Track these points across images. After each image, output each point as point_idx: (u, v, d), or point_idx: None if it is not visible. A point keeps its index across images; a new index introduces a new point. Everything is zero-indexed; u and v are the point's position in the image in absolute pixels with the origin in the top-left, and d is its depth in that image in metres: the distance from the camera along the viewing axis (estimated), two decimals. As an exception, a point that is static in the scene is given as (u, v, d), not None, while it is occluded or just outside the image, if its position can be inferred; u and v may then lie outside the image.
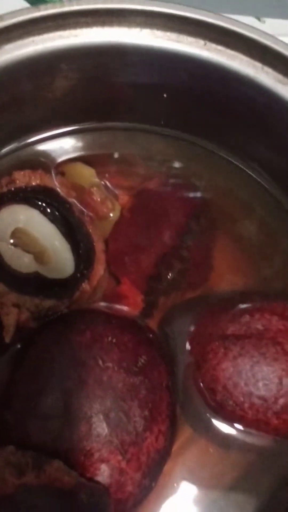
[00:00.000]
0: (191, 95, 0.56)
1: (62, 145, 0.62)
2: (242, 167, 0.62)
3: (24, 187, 0.56)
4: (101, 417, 0.47)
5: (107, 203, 0.59)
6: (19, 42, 0.50)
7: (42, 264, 0.54)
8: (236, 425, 0.52)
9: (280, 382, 0.49)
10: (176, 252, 0.59)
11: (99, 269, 0.56)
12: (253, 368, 0.50)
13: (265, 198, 0.62)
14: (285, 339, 0.51)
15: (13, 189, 0.56)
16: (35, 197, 0.56)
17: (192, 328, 0.56)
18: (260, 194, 0.62)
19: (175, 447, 0.54)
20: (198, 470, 0.54)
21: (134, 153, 0.63)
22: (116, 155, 0.63)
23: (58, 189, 0.57)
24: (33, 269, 0.53)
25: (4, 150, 0.61)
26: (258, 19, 0.72)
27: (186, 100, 0.57)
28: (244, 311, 0.54)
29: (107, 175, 0.61)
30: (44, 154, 0.62)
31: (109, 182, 0.61)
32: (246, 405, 0.50)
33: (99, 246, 0.57)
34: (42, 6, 0.49)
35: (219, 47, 0.50)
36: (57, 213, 0.56)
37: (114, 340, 0.51)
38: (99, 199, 0.59)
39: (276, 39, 0.49)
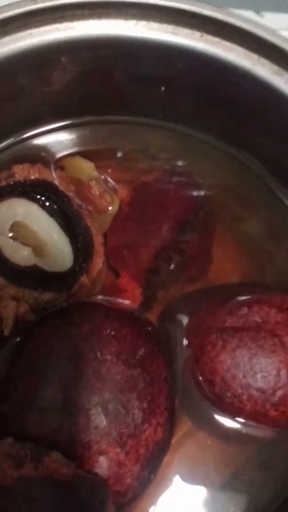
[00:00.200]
0: (189, 87, 0.56)
1: (61, 139, 0.63)
2: (241, 160, 0.62)
3: (23, 181, 0.56)
4: (100, 409, 0.48)
5: (106, 196, 0.59)
6: (16, 35, 0.50)
7: (41, 257, 0.54)
8: (235, 417, 0.52)
9: (278, 374, 0.49)
10: (174, 246, 0.59)
11: (98, 262, 0.56)
12: (251, 360, 0.50)
13: (264, 191, 0.62)
14: (283, 332, 0.51)
15: (12, 183, 0.56)
16: (34, 191, 0.56)
17: (190, 321, 0.56)
18: (259, 187, 0.62)
19: (174, 440, 0.54)
20: (198, 462, 0.54)
21: (132, 146, 0.63)
22: (115, 149, 0.63)
23: (57, 183, 0.57)
24: (32, 262, 0.53)
25: (3, 144, 0.61)
26: (257, 13, 0.72)
27: (183, 92, 0.57)
28: (242, 303, 0.54)
29: (106, 169, 0.61)
30: (43, 148, 0.62)
31: (108, 176, 0.61)
32: (245, 397, 0.50)
33: (98, 240, 0.57)
34: (39, -1, 0.50)
35: (216, 39, 0.50)
36: (55, 206, 0.56)
37: (112, 333, 0.51)
38: (97, 193, 0.59)
39: (272, 31, 0.49)
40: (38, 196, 0.56)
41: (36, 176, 0.57)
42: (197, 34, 0.51)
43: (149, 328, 0.56)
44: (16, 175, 0.56)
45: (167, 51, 0.52)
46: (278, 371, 0.49)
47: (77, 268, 0.55)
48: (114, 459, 0.47)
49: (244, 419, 0.52)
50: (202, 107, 0.58)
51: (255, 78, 0.50)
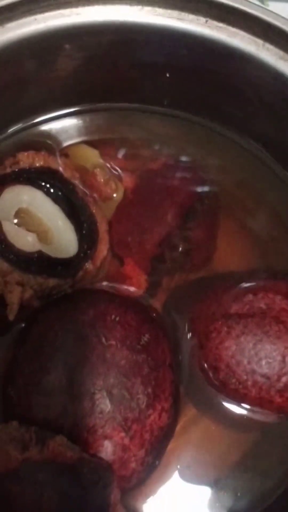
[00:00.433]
0: (193, 73, 0.56)
1: (65, 126, 0.63)
2: (246, 147, 0.62)
3: (27, 168, 0.56)
4: (104, 393, 0.48)
5: (111, 184, 0.59)
6: (21, 21, 0.50)
7: (45, 243, 0.54)
8: (240, 404, 0.53)
9: (283, 360, 0.49)
10: (179, 233, 0.59)
11: (103, 249, 0.57)
12: (256, 346, 0.50)
13: (270, 179, 0.62)
14: (289, 318, 0.51)
15: (17, 170, 0.56)
16: (39, 178, 0.56)
17: (195, 308, 0.56)
18: (265, 175, 0.62)
19: (178, 427, 0.54)
20: (202, 449, 0.55)
21: (137, 134, 0.63)
22: (120, 137, 0.63)
23: (62, 170, 0.57)
24: (37, 248, 0.53)
25: (8, 131, 0.61)
26: (262, 1, 0.72)
27: (188, 79, 0.57)
28: (248, 290, 0.54)
29: (111, 156, 0.61)
30: (48, 135, 0.62)
31: (113, 163, 0.61)
32: (249, 383, 0.50)
33: (102, 227, 0.57)
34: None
35: (221, 25, 0.50)
36: (60, 193, 0.56)
37: (117, 319, 0.51)
38: (102, 180, 0.59)
39: (278, 15, 0.48)
40: (43, 183, 0.56)
41: (41, 163, 0.57)
42: (202, 19, 0.51)
43: (154, 315, 0.56)
44: (21, 162, 0.56)
45: (172, 36, 0.52)
46: (283, 357, 0.49)
47: (82, 254, 0.55)
48: (119, 444, 0.47)
49: (249, 405, 0.52)
50: (207, 94, 0.58)
51: (260, 63, 0.50)
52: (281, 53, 0.50)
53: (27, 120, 0.62)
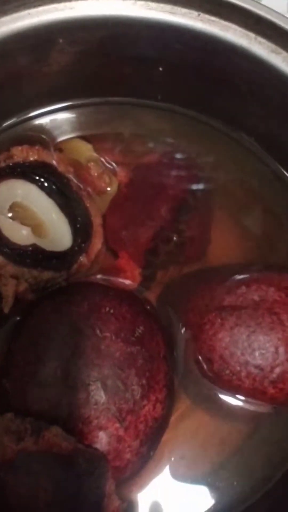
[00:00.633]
0: (186, 67, 0.56)
1: (59, 120, 0.63)
2: (239, 141, 0.62)
3: (22, 162, 0.56)
4: (99, 385, 0.48)
5: (105, 177, 0.59)
6: (15, 15, 0.50)
7: (40, 237, 0.55)
8: (234, 395, 0.53)
9: (276, 351, 0.50)
10: (173, 226, 0.59)
11: (97, 242, 0.57)
12: (250, 338, 0.50)
13: (262, 172, 0.62)
14: (282, 310, 0.51)
15: (11, 164, 0.56)
16: (33, 172, 0.56)
17: (189, 301, 0.56)
18: (258, 168, 0.62)
19: (173, 418, 0.54)
20: (197, 440, 0.55)
21: (131, 128, 0.63)
22: (114, 131, 0.63)
23: (56, 165, 0.57)
24: (31, 242, 0.54)
25: (2, 125, 0.61)
26: (255, -3, 0.72)
27: (181, 73, 0.57)
28: (241, 282, 0.54)
29: (105, 151, 0.61)
30: (42, 129, 0.62)
31: (107, 157, 0.61)
32: (243, 374, 0.50)
33: (96, 221, 0.58)
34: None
35: (213, 18, 0.51)
36: (54, 187, 0.57)
37: (111, 311, 0.52)
38: (96, 174, 0.59)
39: (269, 9, 0.49)
40: (37, 177, 0.56)
41: (35, 157, 0.57)
42: (195, 13, 0.51)
43: (148, 307, 0.56)
44: (15, 157, 0.56)
45: (164, 30, 0.52)
46: (276, 348, 0.50)
47: (76, 248, 0.56)
48: (113, 434, 0.47)
49: (242, 396, 0.53)
50: (200, 88, 0.58)
51: (252, 56, 0.51)
52: (273, 46, 0.50)
53: (21, 114, 0.62)
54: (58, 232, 0.56)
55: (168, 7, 0.51)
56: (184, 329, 0.55)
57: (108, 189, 0.60)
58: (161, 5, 0.51)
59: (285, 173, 0.62)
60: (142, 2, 0.51)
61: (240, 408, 0.53)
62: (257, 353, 0.50)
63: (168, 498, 0.53)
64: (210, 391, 0.54)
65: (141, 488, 0.53)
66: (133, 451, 0.49)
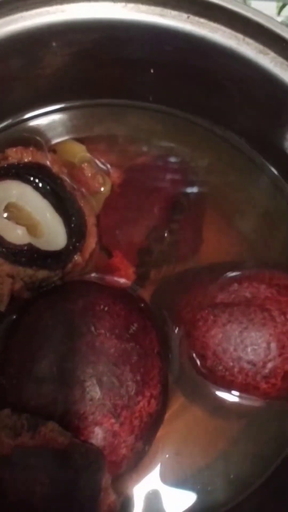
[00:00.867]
0: (177, 69, 0.57)
1: (53, 122, 0.63)
2: (231, 141, 0.63)
3: (16, 163, 0.57)
4: (94, 381, 0.48)
5: (98, 178, 0.60)
6: (8, 18, 0.51)
7: (35, 236, 0.55)
8: (227, 391, 0.53)
9: (268, 347, 0.50)
10: (166, 226, 0.60)
11: (91, 242, 0.58)
12: (242, 334, 0.51)
13: (253, 173, 0.63)
14: (273, 306, 0.52)
15: (6, 165, 0.57)
16: (28, 173, 0.57)
17: (182, 298, 0.57)
18: (249, 169, 0.63)
19: (167, 415, 0.55)
20: (191, 436, 0.56)
21: (124, 130, 0.64)
22: (107, 132, 0.64)
23: (50, 166, 0.58)
24: (26, 241, 0.54)
25: (-3, 127, 0.62)
26: (244, 1, 0.73)
27: (172, 74, 0.58)
28: (233, 279, 0.55)
29: (98, 152, 0.62)
30: (36, 131, 0.63)
31: (100, 158, 0.62)
32: (236, 369, 0.51)
33: (90, 220, 0.58)
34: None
35: (202, 20, 0.51)
36: (49, 188, 0.57)
37: (106, 308, 0.52)
38: (90, 175, 0.60)
39: (257, 11, 0.50)
40: (32, 178, 0.57)
41: (30, 159, 0.57)
42: (184, 15, 0.52)
43: (142, 305, 0.57)
44: (10, 158, 0.57)
45: (155, 33, 0.53)
46: (268, 343, 0.50)
47: (71, 247, 0.56)
48: (109, 430, 0.48)
49: (236, 392, 0.53)
50: (191, 89, 0.59)
51: (241, 57, 0.51)
52: (261, 47, 0.51)
53: (16, 116, 0.62)
54: (53, 231, 0.56)
55: (158, 9, 0.52)
56: (177, 326, 0.56)
57: (102, 189, 0.60)
58: (152, 7, 0.52)
59: (276, 173, 0.62)
60: (133, 5, 0.52)
61: (234, 403, 0.54)
62: (249, 349, 0.51)
63: (163, 493, 0.53)
64: (204, 388, 0.54)
65: (137, 483, 0.53)
66: (128, 446, 0.49)
